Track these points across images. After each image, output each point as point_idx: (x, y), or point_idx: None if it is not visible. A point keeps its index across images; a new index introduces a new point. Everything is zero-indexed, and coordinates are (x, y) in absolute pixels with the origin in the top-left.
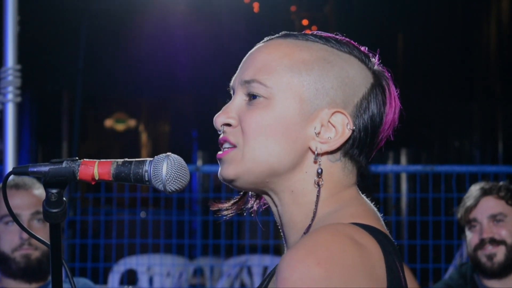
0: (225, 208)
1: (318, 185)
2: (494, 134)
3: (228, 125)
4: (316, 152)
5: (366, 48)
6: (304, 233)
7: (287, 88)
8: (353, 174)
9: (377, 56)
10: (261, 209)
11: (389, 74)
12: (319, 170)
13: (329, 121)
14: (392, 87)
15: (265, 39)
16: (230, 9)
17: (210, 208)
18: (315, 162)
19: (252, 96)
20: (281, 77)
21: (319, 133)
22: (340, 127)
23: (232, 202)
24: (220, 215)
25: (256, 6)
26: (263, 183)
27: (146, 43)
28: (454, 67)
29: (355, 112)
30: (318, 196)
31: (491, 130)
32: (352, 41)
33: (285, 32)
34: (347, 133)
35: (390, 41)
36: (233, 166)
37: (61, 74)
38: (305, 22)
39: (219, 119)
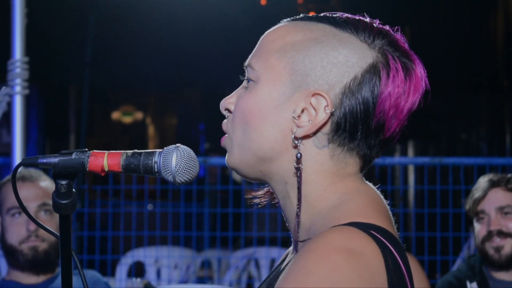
0: (259, 195)
1: (298, 170)
2: (501, 127)
3: (229, 111)
4: (293, 136)
5: (386, 26)
6: (297, 222)
7: (270, 71)
8: (349, 163)
9: (399, 34)
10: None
11: (414, 55)
12: (298, 155)
13: (310, 103)
14: (397, 66)
15: (283, 20)
16: (237, 1)
17: (245, 196)
18: (294, 147)
19: (248, 81)
20: (267, 60)
21: (299, 116)
22: (320, 110)
23: (265, 190)
24: (253, 203)
25: None
26: (260, 172)
27: (153, 36)
28: (461, 59)
29: (342, 94)
30: (299, 182)
31: (498, 123)
32: (363, 19)
33: (303, 15)
34: (324, 116)
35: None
36: (229, 155)
37: (68, 67)
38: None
39: (222, 104)
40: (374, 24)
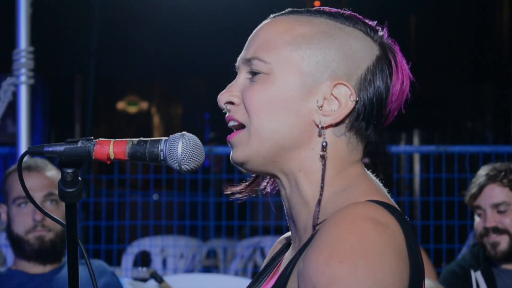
0: (238, 190)
1: (323, 158)
2: (507, 115)
3: (232, 103)
4: (320, 126)
5: (375, 23)
6: (318, 210)
7: (286, 62)
8: (358, 150)
9: (385, 29)
10: (274, 191)
11: (398, 46)
12: (324, 143)
13: (331, 94)
14: (400, 59)
15: (270, 16)
16: None
17: (224, 192)
18: (319, 135)
19: (253, 73)
20: (280, 52)
21: (321, 106)
22: (343, 99)
23: (245, 184)
24: (234, 198)
25: None
26: (273, 164)
27: (159, 26)
28: (467, 48)
29: (359, 84)
30: (324, 170)
31: (504, 111)
32: (357, 15)
33: (290, 9)
34: (350, 105)
35: (403, 22)
36: (242, 148)
37: (73, 57)
38: (317, 3)
39: (222, 97)
40: (365, 19)
